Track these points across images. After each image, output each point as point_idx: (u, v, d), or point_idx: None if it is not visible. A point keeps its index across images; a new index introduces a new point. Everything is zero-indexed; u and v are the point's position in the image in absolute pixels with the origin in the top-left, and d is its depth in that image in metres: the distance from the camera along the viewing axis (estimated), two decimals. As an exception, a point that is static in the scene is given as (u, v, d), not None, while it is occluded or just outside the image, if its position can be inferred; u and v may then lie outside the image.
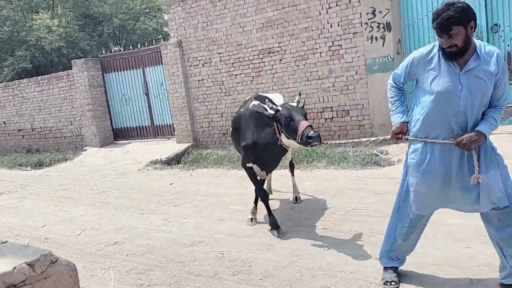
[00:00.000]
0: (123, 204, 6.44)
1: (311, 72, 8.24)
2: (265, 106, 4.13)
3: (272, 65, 8.65)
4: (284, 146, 4.12)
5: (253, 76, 8.96)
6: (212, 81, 9.58)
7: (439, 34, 2.63)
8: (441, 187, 2.84)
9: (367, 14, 7.48)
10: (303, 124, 3.69)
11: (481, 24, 6.93)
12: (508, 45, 6.89)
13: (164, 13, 22.75)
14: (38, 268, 1.31)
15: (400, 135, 3.01)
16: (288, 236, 4.35)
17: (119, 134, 11.88)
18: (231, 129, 4.95)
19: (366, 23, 7.51)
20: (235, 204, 5.74)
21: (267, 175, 4.71)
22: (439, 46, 2.73)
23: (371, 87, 7.63)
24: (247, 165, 4.55)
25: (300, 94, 4.62)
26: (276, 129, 4.05)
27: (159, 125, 11.15)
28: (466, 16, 2.56)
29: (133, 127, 11.61)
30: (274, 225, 4.46)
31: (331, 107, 8.11)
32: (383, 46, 7.43)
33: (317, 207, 5.07)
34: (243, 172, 7.49)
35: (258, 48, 8.75)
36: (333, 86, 8.05)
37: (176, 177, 7.93)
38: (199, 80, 9.79)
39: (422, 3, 7.43)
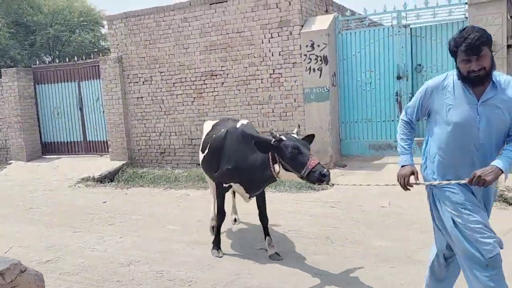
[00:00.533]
0: (53, 221, 6.17)
1: (252, 97, 8.50)
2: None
3: (214, 87, 8.82)
4: (276, 175, 3.87)
5: (194, 97, 9.06)
6: (152, 100, 9.54)
7: (466, 58, 2.46)
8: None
9: (306, 46, 7.92)
10: (314, 160, 3.53)
11: (407, 63, 7.63)
12: (429, 84, 7.60)
13: (102, 27, 22.32)
14: (8, 276, 1.32)
15: (409, 183, 2.75)
16: (227, 256, 4.45)
17: (49, 149, 11.34)
18: (205, 150, 4.59)
19: (305, 55, 7.95)
20: (172, 224, 5.73)
21: (249, 198, 4.39)
22: (459, 74, 2.56)
23: (308, 115, 8.03)
24: (224, 184, 4.34)
25: (299, 126, 4.35)
26: (271, 158, 3.81)
27: (92, 141, 10.80)
28: (490, 38, 2.49)
29: (64, 142, 11.14)
30: (217, 245, 4.52)
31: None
32: (320, 77, 7.88)
33: (255, 229, 5.22)
34: (180, 192, 7.52)
35: (201, 70, 8.90)
36: (273, 111, 8.36)
37: (110, 195, 7.74)
38: (138, 98, 9.70)
39: (356, 41, 8.02)
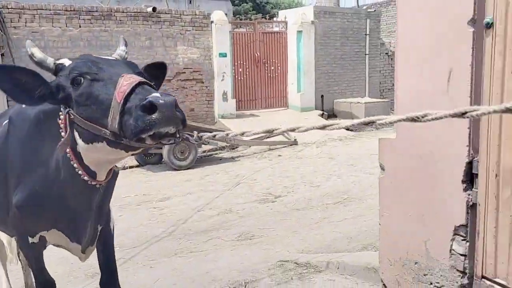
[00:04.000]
0: None
1: None
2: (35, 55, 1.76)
3: None
4: (84, 175, 1.80)
5: None
6: None
7: None
8: None
9: None
10: (127, 80, 1.52)
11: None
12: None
13: None
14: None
15: None
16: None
17: None
18: None
19: None
20: None
21: (84, 252, 2.15)
22: None
23: None
24: (31, 239, 2.06)
25: (125, 41, 2.10)
26: (64, 125, 1.74)
27: None
28: None
29: None
30: None
31: None
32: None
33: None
34: None
35: None
36: None
37: None
38: None
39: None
